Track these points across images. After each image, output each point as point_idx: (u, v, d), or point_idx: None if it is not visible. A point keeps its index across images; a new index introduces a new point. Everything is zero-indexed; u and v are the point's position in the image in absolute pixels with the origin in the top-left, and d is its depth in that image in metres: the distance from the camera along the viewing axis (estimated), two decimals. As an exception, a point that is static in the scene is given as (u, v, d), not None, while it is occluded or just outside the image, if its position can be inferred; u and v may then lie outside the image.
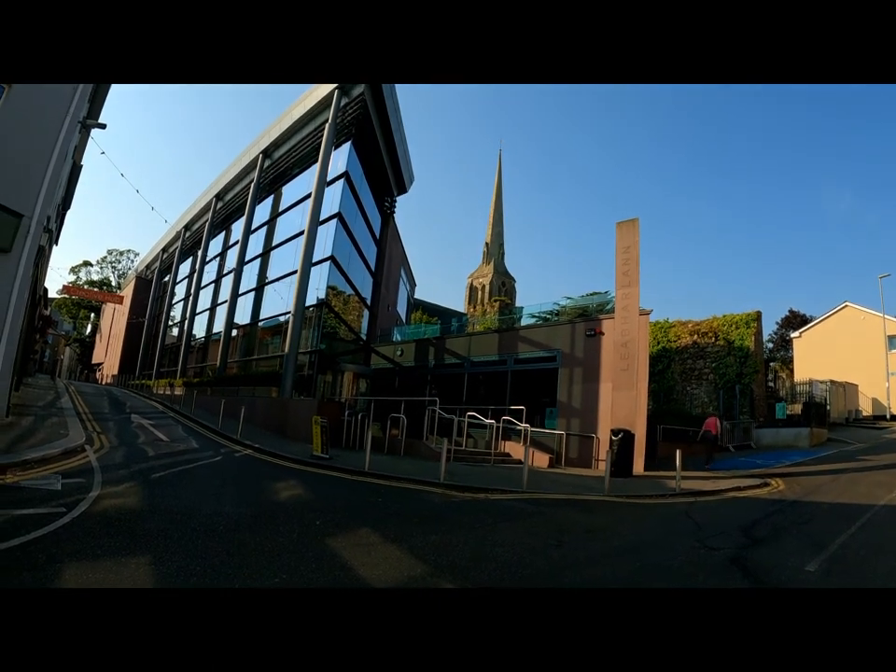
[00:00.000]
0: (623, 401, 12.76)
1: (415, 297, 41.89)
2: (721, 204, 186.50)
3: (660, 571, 5.00)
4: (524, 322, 18.73)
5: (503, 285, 73.65)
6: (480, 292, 71.34)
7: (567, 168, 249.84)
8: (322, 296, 20.22)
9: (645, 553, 5.76)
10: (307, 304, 19.60)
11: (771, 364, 35.24)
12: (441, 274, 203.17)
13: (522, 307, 22.86)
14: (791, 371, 32.40)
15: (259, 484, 8.47)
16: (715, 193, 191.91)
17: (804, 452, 16.73)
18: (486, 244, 79.32)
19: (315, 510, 6.66)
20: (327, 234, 20.45)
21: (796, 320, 40.26)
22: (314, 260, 19.72)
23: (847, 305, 33.88)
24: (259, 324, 24.60)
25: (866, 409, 29.89)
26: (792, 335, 35.59)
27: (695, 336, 22.92)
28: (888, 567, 5.21)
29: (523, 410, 14.56)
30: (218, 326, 27.74)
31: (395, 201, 27.67)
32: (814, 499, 9.21)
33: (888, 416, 28.22)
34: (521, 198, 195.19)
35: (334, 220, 20.61)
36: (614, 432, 12.24)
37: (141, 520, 5.33)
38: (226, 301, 26.63)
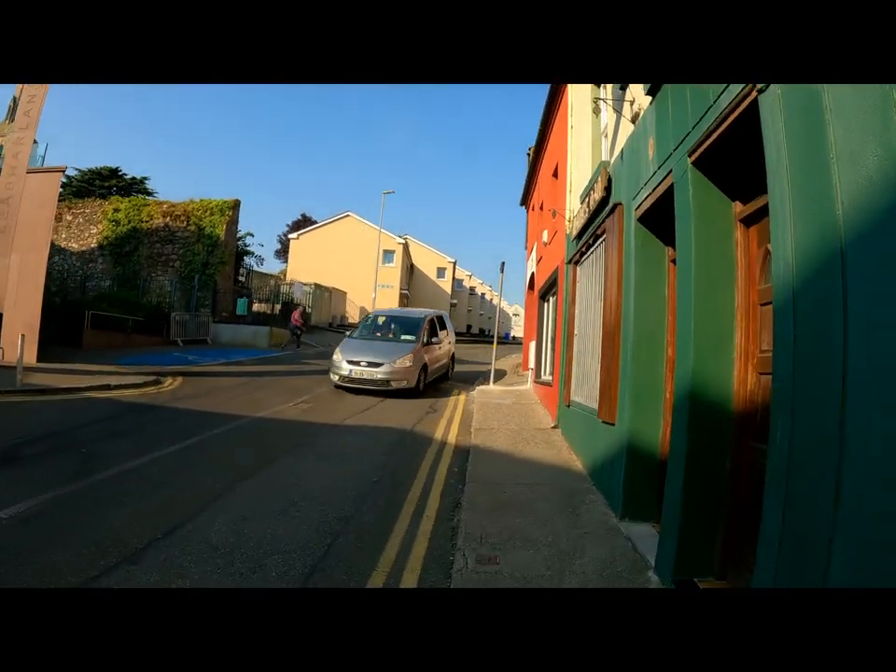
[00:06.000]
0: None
1: None
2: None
3: None
4: None
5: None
6: (-6, 151, 48.46)
7: None
8: None
9: None
10: None
11: (271, 267, 36.22)
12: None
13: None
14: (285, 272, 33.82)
15: None
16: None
17: (257, 351, 16.74)
18: (14, 98, 53.83)
19: None
20: None
21: (307, 224, 41.84)
22: None
23: (348, 215, 35.73)
24: None
25: (353, 316, 31.62)
26: (290, 236, 36.77)
27: (168, 218, 21.08)
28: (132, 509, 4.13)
29: None
30: None
31: None
32: (186, 406, 8.49)
33: (376, 323, 30.04)
34: None
35: None
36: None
37: None
38: None
